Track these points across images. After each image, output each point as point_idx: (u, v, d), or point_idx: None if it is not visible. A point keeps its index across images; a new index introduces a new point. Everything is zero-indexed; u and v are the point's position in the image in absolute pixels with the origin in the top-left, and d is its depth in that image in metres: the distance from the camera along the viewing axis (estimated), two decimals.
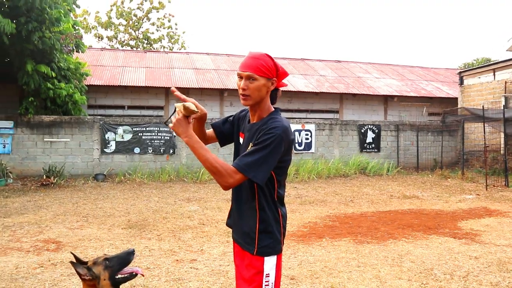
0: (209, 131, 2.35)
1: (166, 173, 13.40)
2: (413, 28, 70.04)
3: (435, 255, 5.20)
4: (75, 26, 13.60)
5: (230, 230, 2.36)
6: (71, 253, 2.26)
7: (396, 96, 17.95)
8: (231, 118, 2.35)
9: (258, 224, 2.04)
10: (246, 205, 2.08)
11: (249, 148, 1.98)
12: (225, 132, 2.34)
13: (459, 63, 37.06)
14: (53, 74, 12.07)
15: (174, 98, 16.03)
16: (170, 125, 1.98)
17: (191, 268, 4.72)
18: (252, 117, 2.16)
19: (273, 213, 2.07)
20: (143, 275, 2.28)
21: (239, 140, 2.25)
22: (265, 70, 2.00)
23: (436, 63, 59.03)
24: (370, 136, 16.30)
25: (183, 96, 1.98)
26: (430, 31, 69.08)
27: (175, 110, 2.00)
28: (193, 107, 1.94)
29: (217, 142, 2.40)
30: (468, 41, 65.95)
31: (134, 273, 2.20)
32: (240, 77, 2.03)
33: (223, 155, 13.01)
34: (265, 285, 2.01)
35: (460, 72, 17.50)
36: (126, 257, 2.20)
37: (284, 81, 2.16)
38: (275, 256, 2.05)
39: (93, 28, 29.56)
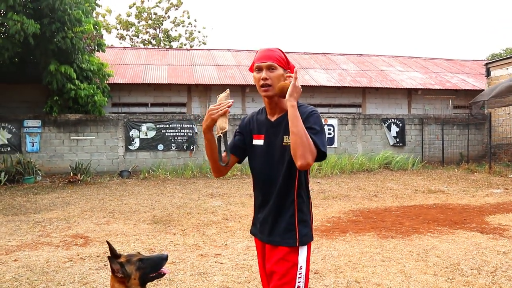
0: (224, 155, 2.18)
1: (189, 169, 13.55)
2: (438, 19, 68.57)
3: (462, 250, 5.11)
4: (96, 26, 13.83)
5: None
6: (107, 242, 2.29)
7: (420, 89, 17.63)
8: (238, 129, 2.31)
9: (296, 214, 2.07)
10: (283, 198, 2.09)
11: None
12: (241, 145, 2.26)
13: (487, 54, 36.15)
14: (74, 75, 12.25)
15: (197, 94, 16.18)
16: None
17: (215, 262, 4.77)
18: (271, 114, 2.16)
19: (307, 200, 2.13)
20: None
21: (252, 142, 2.22)
22: (282, 60, 2.09)
23: (463, 55, 57.63)
24: (394, 130, 16.10)
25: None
26: (457, 21, 67.53)
27: (223, 142, 2.05)
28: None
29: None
30: (496, 31, 64.14)
31: (162, 273, 2.24)
32: (259, 69, 2.07)
33: None
34: (298, 277, 2.03)
35: (486, 64, 17.07)
36: (159, 262, 2.23)
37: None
38: (306, 246, 2.09)
39: (115, 28, 30.05)
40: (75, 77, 12.37)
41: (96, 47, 13.93)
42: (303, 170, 2.00)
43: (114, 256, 2.19)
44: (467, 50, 56.75)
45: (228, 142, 2.11)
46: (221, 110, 2.00)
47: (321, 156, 1.97)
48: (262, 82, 2.04)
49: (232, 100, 2.05)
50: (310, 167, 1.97)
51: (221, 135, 2.02)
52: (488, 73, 16.69)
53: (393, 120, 16.10)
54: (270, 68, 2.04)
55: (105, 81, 14.27)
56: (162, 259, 2.24)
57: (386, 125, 16.05)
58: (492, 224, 6.48)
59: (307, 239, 2.08)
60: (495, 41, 59.37)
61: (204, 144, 2.17)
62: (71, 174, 12.46)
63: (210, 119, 2.00)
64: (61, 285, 4.10)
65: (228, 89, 2.21)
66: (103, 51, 14.56)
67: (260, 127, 2.19)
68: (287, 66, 2.11)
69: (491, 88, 14.27)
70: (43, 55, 12.11)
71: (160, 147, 14.09)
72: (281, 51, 2.11)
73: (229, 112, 2.08)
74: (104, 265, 4.66)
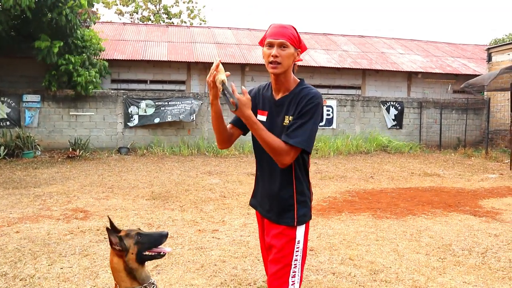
0: (229, 127, 2.28)
1: (187, 147, 13.61)
2: (442, 2, 67.72)
3: (454, 231, 5.23)
4: (92, 3, 13.43)
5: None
6: (108, 217, 2.29)
7: (420, 72, 17.59)
8: None
9: (295, 195, 2.11)
10: (281, 179, 2.12)
11: (292, 121, 2.01)
12: None
13: (490, 39, 35.84)
14: (56, 50, 11.91)
15: (196, 72, 16.11)
16: (233, 109, 1.98)
17: (213, 237, 4.87)
18: (276, 91, 2.16)
19: (306, 183, 2.16)
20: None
21: (256, 117, 2.20)
22: (294, 39, 2.05)
23: (465, 39, 57.14)
24: (392, 113, 16.14)
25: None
26: (460, 5, 66.70)
27: (225, 91, 1.97)
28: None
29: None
30: (500, 15, 63.48)
31: (162, 253, 2.21)
32: (270, 45, 2.03)
33: None
34: (296, 251, 2.09)
35: (488, 48, 16.99)
36: (158, 239, 2.20)
37: (306, 55, 2.19)
38: (304, 224, 2.15)
39: (114, 4, 29.62)
40: (56, 51, 11.98)
41: (89, 20, 13.42)
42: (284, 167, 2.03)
43: (114, 229, 2.18)
44: (469, 35, 56.28)
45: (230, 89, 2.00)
46: (213, 71, 1.94)
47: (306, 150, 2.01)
48: (271, 59, 2.02)
49: (220, 59, 2.01)
50: (290, 163, 2.00)
51: (222, 87, 1.96)
52: (489, 58, 16.63)
53: (392, 103, 16.13)
54: (282, 46, 2.00)
55: (99, 57, 14.04)
56: (162, 236, 2.20)
57: (385, 107, 16.07)
58: (485, 208, 6.60)
59: (305, 219, 2.13)
60: (499, 26, 58.81)
61: (210, 118, 2.18)
62: (70, 150, 12.52)
63: (211, 84, 1.95)
64: (62, 256, 4.20)
65: (218, 59, 2.12)
66: (94, 22, 14.03)
67: (264, 103, 2.21)
68: (299, 45, 2.08)
69: (490, 73, 14.20)
70: (38, 29, 11.99)
71: (159, 123, 14.10)
72: (294, 28, 2.08)
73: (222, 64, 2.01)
74: (104, 238, 4.76)
